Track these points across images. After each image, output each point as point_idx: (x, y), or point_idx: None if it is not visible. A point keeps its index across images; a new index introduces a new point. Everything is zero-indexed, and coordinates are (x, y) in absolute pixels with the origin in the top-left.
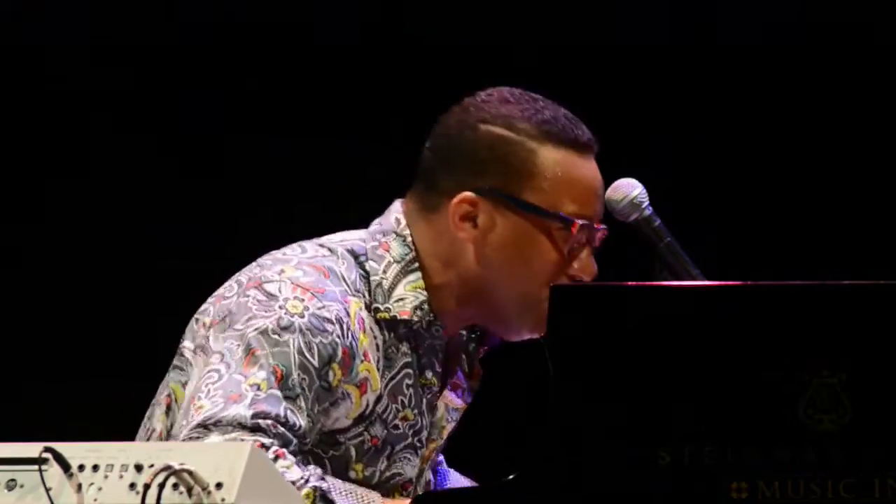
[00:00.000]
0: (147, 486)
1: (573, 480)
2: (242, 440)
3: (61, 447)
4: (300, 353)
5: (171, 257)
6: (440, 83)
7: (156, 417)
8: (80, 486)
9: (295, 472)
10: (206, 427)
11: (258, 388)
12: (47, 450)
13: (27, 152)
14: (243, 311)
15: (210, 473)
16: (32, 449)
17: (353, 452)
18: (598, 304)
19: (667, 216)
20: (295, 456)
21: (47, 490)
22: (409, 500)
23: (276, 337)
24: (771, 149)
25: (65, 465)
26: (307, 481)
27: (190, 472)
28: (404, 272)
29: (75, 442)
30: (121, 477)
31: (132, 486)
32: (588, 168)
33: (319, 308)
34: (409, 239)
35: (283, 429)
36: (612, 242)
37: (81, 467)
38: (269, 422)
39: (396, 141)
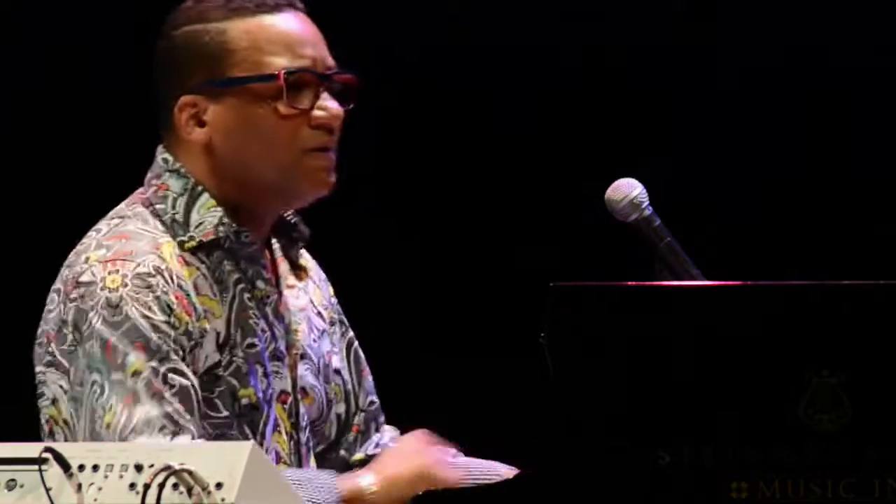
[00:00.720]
0: (147, 486)
1: (573, 480)
2: (167, 437)
3: (61, 447)
4: (143, 317)
5: None
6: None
7: None
8: (80, 486)
9: None
10: (124, 441)
11: (138, 375)
12: (47, 450)
13: (28, 149)
14: (76, 314)
15: (210, 473)
16: (32, 449)
17: (233, 381)
18: (598, 304)
19: (667, 216)
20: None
21: (47, 490)
22: (353, 474)
23: (115, 318)
24: (771, 148)
25: (65, 465)
26: None
27: (190, 472)
28: (192, 200)
29: (75, 442)
30: (121, 477)
31: (132, 486)
32: (283, 21)
33: (135, 268)
34: (183, 169)
35: (180, 407)
36: (613, 242)
37: (81, 467)
38: (172, 408)
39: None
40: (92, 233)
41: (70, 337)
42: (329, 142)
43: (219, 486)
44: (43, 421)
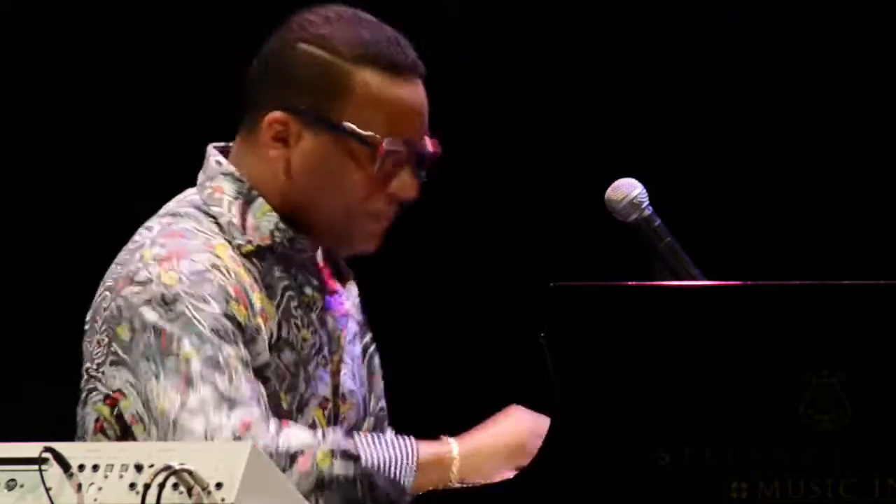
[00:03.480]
0: (147, 486)
1: (573, 480)
2: (224, 413)
3: (61, 447)
4: (197, 310)
5: None
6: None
7: None
8: (80, 486)
9: (304, 438)
10: (179, 426)
11: (190, 361)
12: (47, 450)
13: (29, 154)
14: (130, 310)
15: (210, 473)
16: (32, 449)
17: (276, 385)
18: (598, 304)
19: (667, 216)
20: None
21: (47, 490)
22: (440, 442)
23: (169, 313)
24: (771, 148)
25: (65, 465)
26: (321, 443)
27: (190, 472)
28: (247, 203)
29: (75, 442)
30: (121, 477)
31: (132, 486)
32: (406, 89)
33: (192, 264)
34: (237, 173)
35: (236, 384)
36: (613, 242)
37: (81, 467)
38: (226, 387)
39: None
40: (144, 231)
41: (126, 332)
42: (394, 213)
43: (219, 486)
44: (91, 420)
